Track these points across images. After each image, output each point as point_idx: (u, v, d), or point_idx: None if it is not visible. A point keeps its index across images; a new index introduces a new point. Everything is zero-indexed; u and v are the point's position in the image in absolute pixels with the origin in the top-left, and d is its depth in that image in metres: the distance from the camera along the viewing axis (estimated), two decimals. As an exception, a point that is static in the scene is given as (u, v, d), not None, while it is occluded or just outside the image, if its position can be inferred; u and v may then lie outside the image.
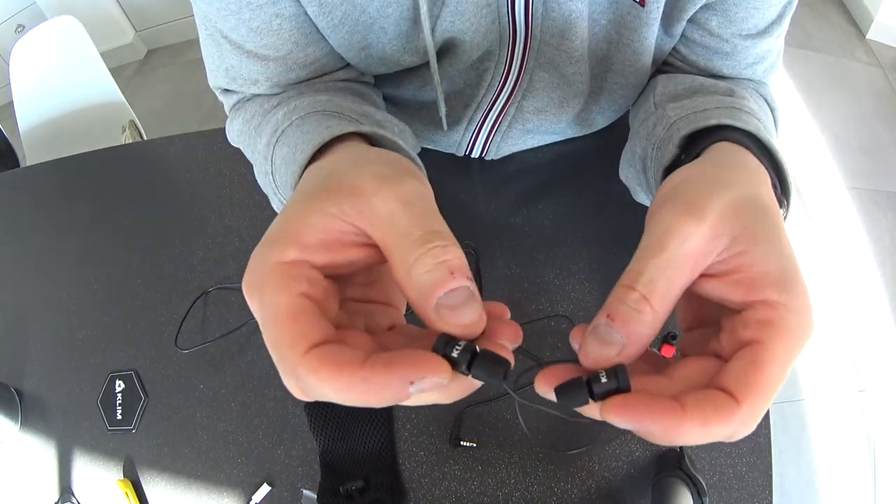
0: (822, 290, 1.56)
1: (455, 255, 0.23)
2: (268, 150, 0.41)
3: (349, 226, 0.24)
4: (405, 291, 0.23)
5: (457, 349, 0.22)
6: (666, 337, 0.62)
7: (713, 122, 0.37)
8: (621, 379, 0.23)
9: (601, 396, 0.23)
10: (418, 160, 0.37)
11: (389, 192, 0.24)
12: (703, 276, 0.25)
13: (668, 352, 0.64)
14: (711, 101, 0.41)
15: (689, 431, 0.22)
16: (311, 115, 0.40)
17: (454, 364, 0.22)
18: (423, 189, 0.26)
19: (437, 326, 0.23)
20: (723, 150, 0.34)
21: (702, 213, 0.25)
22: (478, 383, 0.24)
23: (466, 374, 0.22)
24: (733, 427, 0.22)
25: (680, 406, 0.22)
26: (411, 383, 0.21)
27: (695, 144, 0.37)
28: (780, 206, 0.32)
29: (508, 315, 0.26)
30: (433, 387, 0.21)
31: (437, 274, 0.22)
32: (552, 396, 0.25)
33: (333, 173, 0.27)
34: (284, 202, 0.36)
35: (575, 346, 0.26)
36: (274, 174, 0.41)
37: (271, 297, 0.22)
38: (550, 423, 0.60)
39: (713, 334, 0.27)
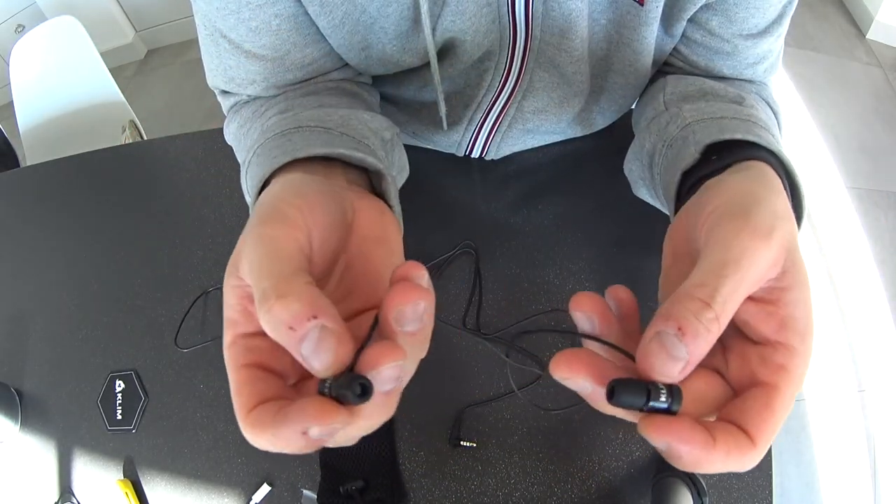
0: (823, 290, 1.56)
1: (284, 309, 0.22)
2: (244, 171, 0.42)
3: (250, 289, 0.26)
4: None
5: (338, 385, 0.22)
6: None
7: (739, 136, 0.37)
8: (676, 401, 0.23)
9: (651, 410, 0.23)
10: (374, 163, 0.37)
11: (247, 250, 0.25)
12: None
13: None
14: (728, 109, 0.41)
15: (712, 462, 0.23)
16: (271, 140, 0.40)
17: (342, 399, 0.22)
18: (278, 231, 0.26)
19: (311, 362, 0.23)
20: (761, 172, 0.33)
21: (770, 239, 0.25)
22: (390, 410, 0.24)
23: (360, 402, 0.22)
24: (745, 463, 0.24)
25: (712, 438, 0.23)
26: (304, 433, 0.22)
27: (716, 154, 0.38)
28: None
29: (422, 276, 0.26)
30: (331, 431, 0.22)
31: (278, 334, 0.22)
32: (571, 381, 0.25)
33: (278, 204, 0.28)
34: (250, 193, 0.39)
35: (577, 314, 0.27)
36: (247, 176, 0.42)
37: (229, 374, 0.26)
38: (537, 385, 0.60)
39: (717, 348, 0.27)
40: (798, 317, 0.26)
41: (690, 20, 0.49)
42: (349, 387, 0.21)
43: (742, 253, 0.25)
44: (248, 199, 0.41)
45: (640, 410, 0.23)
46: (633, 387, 0.23)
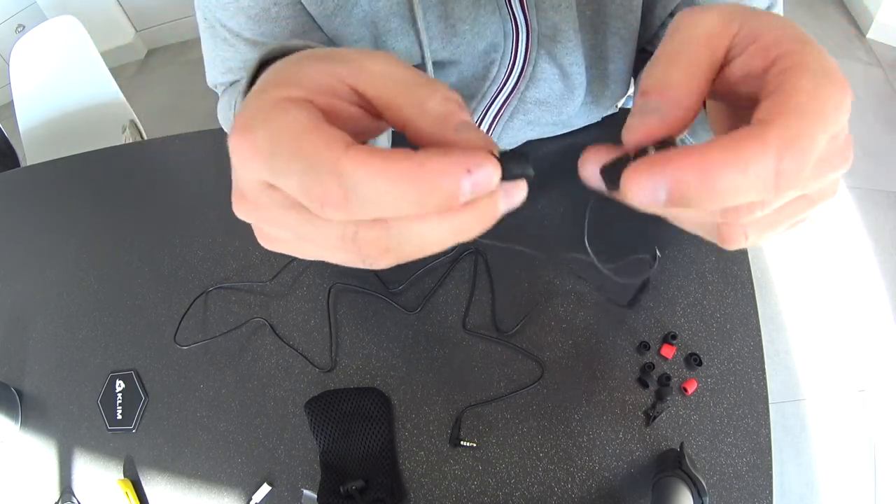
0: (823, 290, 1.56)
1: (457, 95, 0.22)
2: (237, 94, 0.39)
3: (343, 86, 0.22)
4: (418, 123, 0.21)
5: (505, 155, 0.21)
6: (666, 336, 0.62)
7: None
8: (626, 159, 0.21)
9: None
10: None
11: (378, 55, 0.22)
12: (727, 62, 0.23)
13: (668, 352, 0.64)
14: None
15: (722, 167, 0.19)
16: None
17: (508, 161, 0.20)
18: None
19: (459, 146, 0.21)
20: None
21: (700, 8, 0.23)
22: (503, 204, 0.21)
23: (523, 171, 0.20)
24: (773, 152, 0.19)
25: (707, 146, 0.19)
26: (468, 171, 0.19)
27: None
28: None
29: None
30: (486, 181, 0.19)
31: (450, 105, 0.21)
32: (597, 180, 0.23)
33: (307, 52, 0.24)
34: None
35: (584, 167, 0.24)
36: (236, 105, 0.38)
37: (283, 118, 0.20)
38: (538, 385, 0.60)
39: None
40: (785, 34, 0.22)
41: (673, 14, 0.49)
42: (515, 157, 0.20)
43: (675, 25, 0.23)
44: (234, 105, 0.38)
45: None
46: (620, 160, 0.21)
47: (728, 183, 0.19)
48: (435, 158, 0.19)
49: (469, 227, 0.20)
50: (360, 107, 0.23)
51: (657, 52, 0.23)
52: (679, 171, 0.19)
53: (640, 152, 0.21)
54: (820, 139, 0.19)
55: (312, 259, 0.23)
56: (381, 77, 0.22)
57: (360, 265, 0.22)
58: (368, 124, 0.24)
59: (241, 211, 0.23)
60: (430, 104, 0.21)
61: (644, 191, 0.19)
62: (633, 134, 0.22)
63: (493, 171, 0.19)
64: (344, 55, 0.23)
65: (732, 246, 0.23)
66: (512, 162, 0.20)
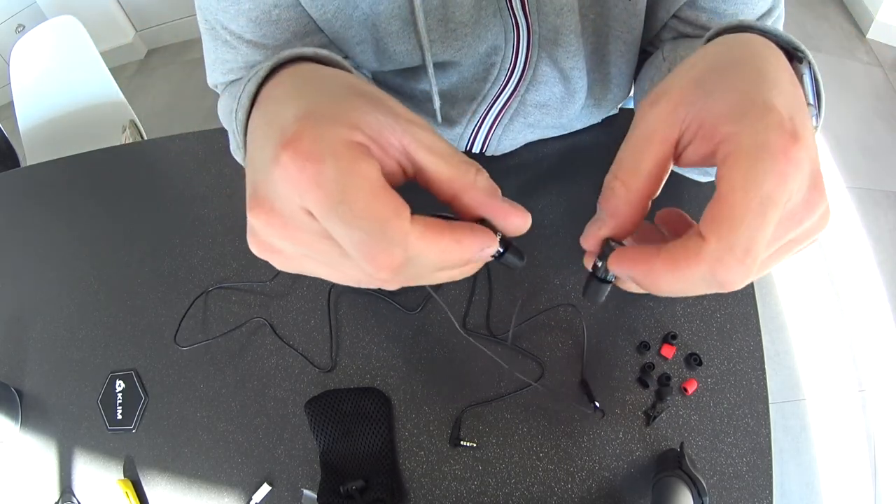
0: (823, 290, 1.56)
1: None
2: (240, 89, 0.38)
3: (398, 143, 0.24)
4: (466, 195, 0.25)
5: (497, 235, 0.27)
6: (666, 336, 0.62)
7: (736, 22, 0.34)
8: (606, 251, 0.27)
9: (606, 278, 0.28)
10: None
11: (424, 126, 0.25)
12: (682, 150, 0.26)
13: (668, 351, 0.64)
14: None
15: (662, 274, 0.23)
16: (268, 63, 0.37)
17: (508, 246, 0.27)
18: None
19: (498, 216, 0.26)
20: (722, 39, 0.31)
21: (657, 96, 0.26)
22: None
23: (499, 257, 0.27)
24: (706, 266, 0.22)
25: (657, 252, 0.24)
26: (483, 248, 0.25)
27: None
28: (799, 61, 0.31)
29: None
30: (488, 255, 0.25)
31: (491, 182, 0.26)
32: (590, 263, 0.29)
33: (351, 86, 0.26)
34: (239, 132, 0.33)
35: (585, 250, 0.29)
36: (238, 110, 0.38)
37: (357, 167, 0.22)
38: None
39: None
40: (721, 109, 0.24)
41: (679, 17, 0.49)
42: (516, 251, 0.27)
43: (632, 123, 0.27)
44: (235, 108, 0.38)
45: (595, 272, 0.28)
46: (588, 280, 0.29)
47: (669, 287, 0.24)
48: (469, 236, 0.24)
49: (464, 274, 0.27)
50: (400, 165, 0.25)
51: (621, 148, 0.27)
52: (632, 272, 0.25)
53: (594, 269, 0.28)
54: (758, 237, 0.22)
55: (315, 276, 0.26)
56: (429, 149, 0.25)
57: (367, 286, 0.25)
58: (399, 180, 0.26)
59: (260, 220, 0.24)
60: (481, 182, 0.25)
61: (616, 271, 0.26)
62: (586, 242, 0.28)
63: (494, 249, 0.26)
64: (393, 108, 0.25)
65: (731, 288, 0.24)
66: (514, 252, 0.27)
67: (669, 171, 0.27)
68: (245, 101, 0.30)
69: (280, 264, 0.26)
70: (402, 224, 0.22)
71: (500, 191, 0.26)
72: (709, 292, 0.23)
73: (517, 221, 0.25)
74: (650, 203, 0.27)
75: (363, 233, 0.21)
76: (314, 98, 0.25)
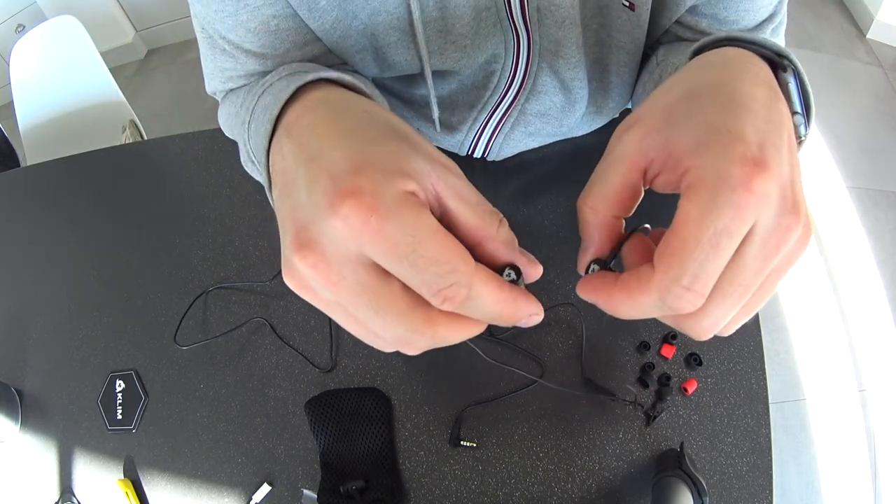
0: (823, 290, 1.56)
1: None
2: (252, 100, 0.39)
3: (431, 186, 0.25)
4: (488, 244, 0.26)
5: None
6: (666, 336, 0.62)
7: (723, 35, 0.34)
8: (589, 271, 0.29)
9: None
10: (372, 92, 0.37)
11: (458, 173, 0.27)
12: (653, 178, 0.27)
13: (668, 351, 0.64)
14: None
15: (620, 301, 0.26)
16: (283, 79, 0.37)
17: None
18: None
19: (525, 266, 0.27)
20: (703, 57, 0.32)
21: (631, 122, 0.27)
22: None
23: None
24: (655, 294, 0.24)
25: (615, 280, 0.26)
26: (531, 315, 0.26)
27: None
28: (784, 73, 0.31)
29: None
30: (531, 323, 0.26)
31: (511, 233, 0.27)
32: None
33: (392, 124, 0.27)
34: (255, 150, 0.33)
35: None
36: (251, 122, 0.39)
37: (421, 219, 0.23)
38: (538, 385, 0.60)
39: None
40: (684, 143, 0.25)
41: (680, 23, 0.49)
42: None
43: (610, 144, 0.28)
44: (248, 120, 0.39)
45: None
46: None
47: (628, 312, 0.26)
48: (523, 301, 0.25)
49: (478, 331, 0.27)
50: (431, 207, 0.26)
51: (594, 172, 0.29)
52: (595, 298, 0.27)
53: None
54: (710, 267, 0.23)
55: (339, 323, 0.26)
56: (458, 197, 0.26)
57: (382, 349, 0.27)
58: None
59: (306, 263, 0.24)
60: (503, 234, 0.26)
61: (583, 296, 0.28)
62: (578, 267, 0.30)
63: (538, 319, 0.27)
64: (429, 152, 0.26)
65: (686, 311, 0.25)
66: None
67: (642, 196, 0.28)
68: (267, 125, 0.30)
69: (311, 300, 0.26)
70: (469, 268, 0.23)
71: (517, 241, 0.27)
72: (669, 315, 0.25)
73: (531, 272, 0.27)
74: (623, 223, 0.28)
75: (435, 276, 0.23)
76: (361, 142, 0.25)
